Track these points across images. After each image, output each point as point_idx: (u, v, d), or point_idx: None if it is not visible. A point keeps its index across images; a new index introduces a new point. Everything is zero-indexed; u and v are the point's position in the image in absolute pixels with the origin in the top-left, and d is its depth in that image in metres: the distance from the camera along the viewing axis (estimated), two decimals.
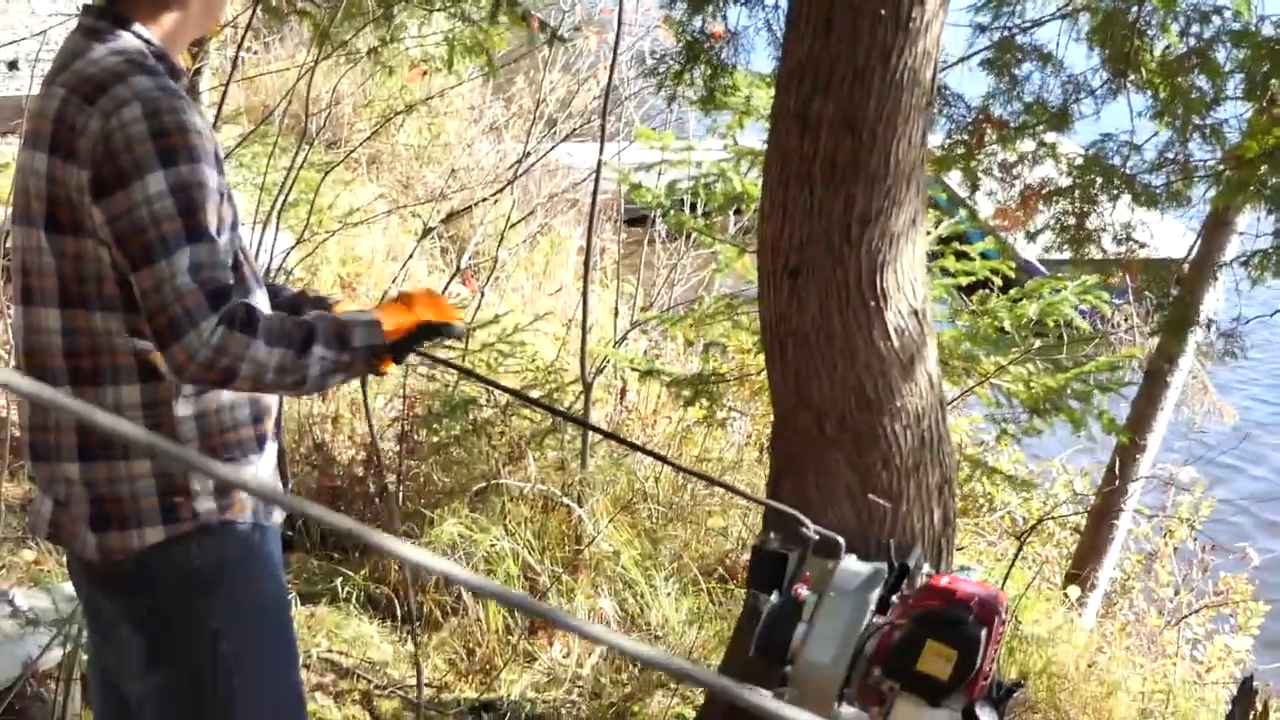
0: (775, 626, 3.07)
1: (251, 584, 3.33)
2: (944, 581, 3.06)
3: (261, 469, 3.36)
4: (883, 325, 3.30)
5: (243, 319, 2.97)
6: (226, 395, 3.21)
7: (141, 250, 2.92)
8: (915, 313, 3.37)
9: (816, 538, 3.13)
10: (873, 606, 3.01)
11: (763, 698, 3.08)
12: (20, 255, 3.16)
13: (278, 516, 3.47)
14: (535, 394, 7.90)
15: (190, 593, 3.22)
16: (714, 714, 3.69)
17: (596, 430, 7.24)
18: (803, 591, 3.08)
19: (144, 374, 3.11)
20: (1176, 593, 10.48)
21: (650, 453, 4.03)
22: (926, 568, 3.33)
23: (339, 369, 3.16)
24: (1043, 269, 10.90)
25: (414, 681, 6.46)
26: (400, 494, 7.64)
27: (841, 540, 3.11)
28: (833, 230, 3.24)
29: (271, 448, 3.41)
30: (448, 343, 7.64)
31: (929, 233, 7.63)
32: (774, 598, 3.11)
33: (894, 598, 3.11)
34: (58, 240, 3.05)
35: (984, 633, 2.88)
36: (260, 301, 3.32)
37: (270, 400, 3.39)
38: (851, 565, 3.09)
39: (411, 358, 3.49)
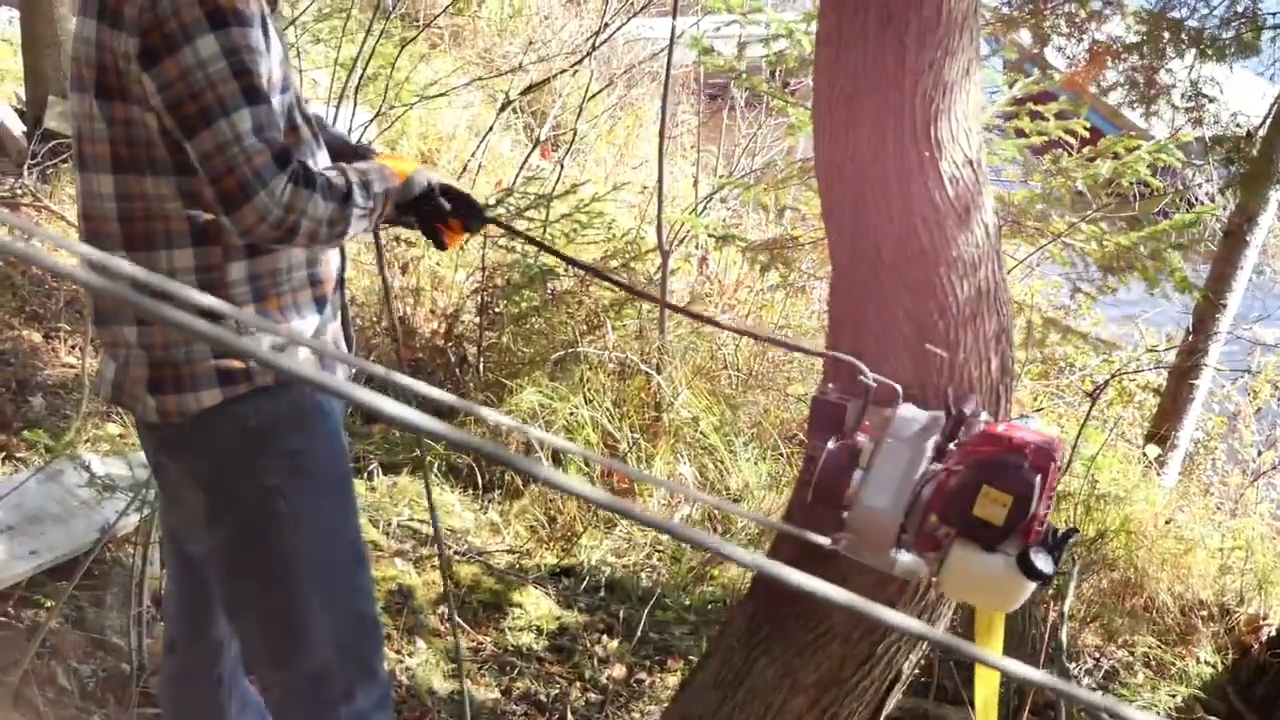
0: (832, 473, 3.09)
1: (309, 442, 3.37)
2: (1000, 428, 3.07)
3: (323, 326, 3.40)
4: (937, 175, 3.29)
5: (305, 176, 3.01)
6: (283, 257, 3.25)
7: (199, 114, 2.94)
8: (970, 162, 3.36)
9: (874, 385, 3.16)
10: (929, 453, 3.03)
11: (823, 539, 3.14)
12: (76, 122, 3.20)
13: (340, 375, 3.52)
14: (614, 264, 7.92)
15: (248, 452, 3.27)
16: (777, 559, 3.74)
17: (664, 304, 7.27)
18: (860, 438, 3.11)
19: (196, 238, 3.15)
20: (1260, 453, 10.44)
21: (697, 315, 4.05)
22: (985, 415, 3.35)
23: (366, 215, 3.22)
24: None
25: (494, 547, 6.56)
26: (480, 364, 7.71)
27: (899, 387, 3.13)
28: (885, 80, 3.25)
29: (331, 308, 3.45)
30: (528, 213, 7.71)
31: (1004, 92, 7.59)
32: (831, 445, 3.14)
33: (952, 445, 3.13)
34: (107, 106, 3.08)
35: (1039, 478, 2.90)
36: (320, 162, 3.36)
37: (331, 264, 3.43)
38: (908, 413, 3.11)
39: (493, 229, 3.52)
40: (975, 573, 2.94)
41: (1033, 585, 2.91)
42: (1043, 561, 2.87)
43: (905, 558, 3.08)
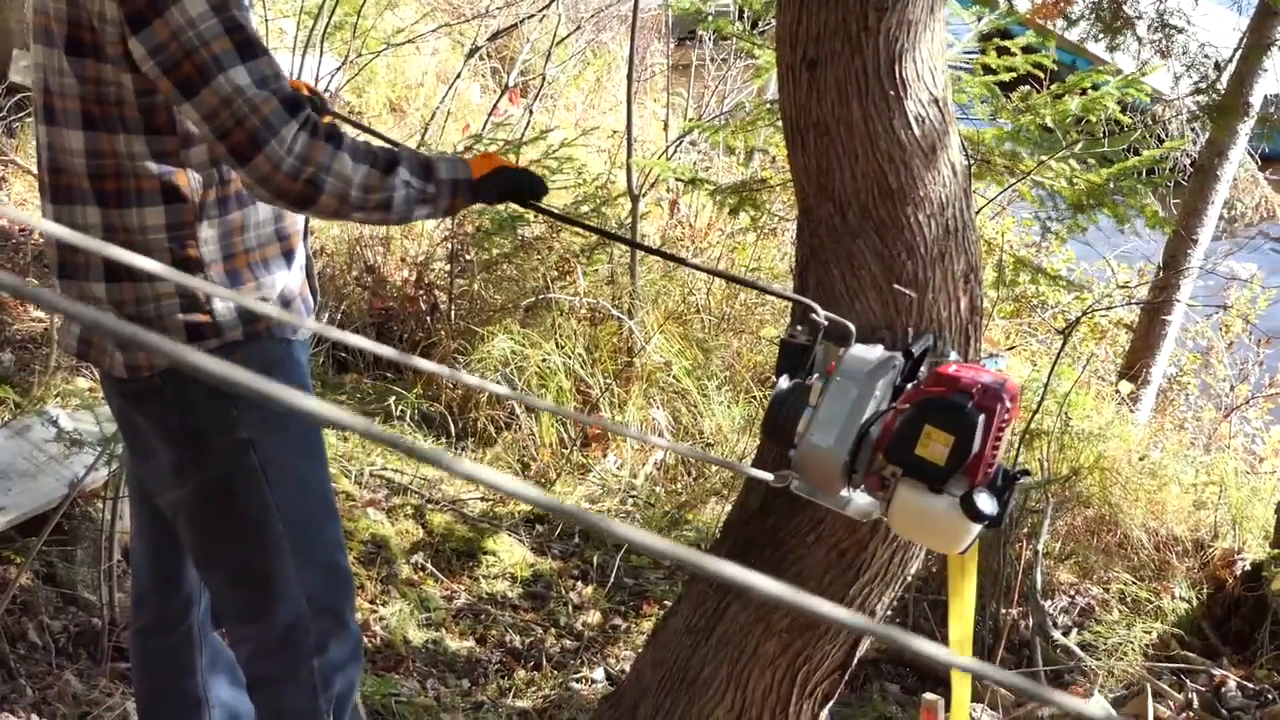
0: (782, 410, 3.10)
1: None
2: (953, 369, 3.08)
3: (290, 281, 3.38)
4: (903, 114, 3.27)
5: (326, 130, 2.98)
6: (251, 214, 3.24)
7: (196, 72, 2.90)
8: (936, 101, 3.34)
9: (826, 324, 3.16)
10: (880, 392, 3.03)
11: (766, 475, 3.14)
12: (42, 74, 3.17)
13: (306, 329, 3.50)
14: (584, 209, 7.89)
15: (218, 405, 3.25)
16: (749, 506, 3.73)
17: (635, 245, 7.25)
18: (814, 378, 3.11)
19: (167, 195, 3.13)
20: (1233, 388, 10.46)
21: (668, 255, 4.03)
22: (954, 355, 3.34)
23: (425, 200, 3.15)
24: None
25: (468, 495, 6.55)
26: (452, 312, 7.69)
27: (852, 326, 3.13)
28: (850, 19, 3.21)
29: (299, 260, 3.43)
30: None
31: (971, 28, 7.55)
32: (783, 383, 3.15)
33: (909, 385, 3.13)
34: (79, 63, 3.05)
35: (982, 418, 2.90)
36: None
37: (297, 218, 3.40)
38: (861, 352, 3.11)
39: None
40: (920, 513, 2.96)
41: (977, 527, 2.92)
42: (986, 503, 2.87)
43: (860, 498, 3.09)
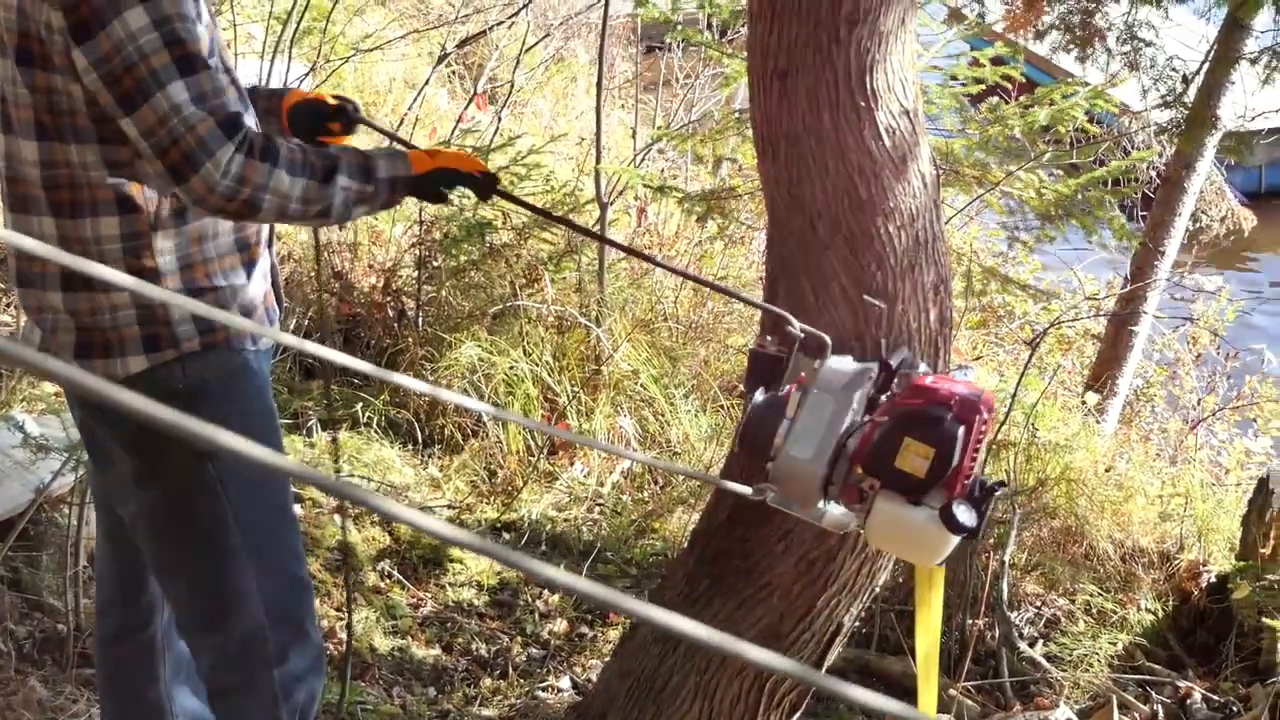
0: (757, 423, 3.10)
1: (238, 403, 3.36)
2: (929, 381, 3.07)
3: (252, 291, 3.37)
4: (874, 125, 3.28)
5: (261, 147, 2.96)
6: (209, 224, 3.23)
7: (135, 87, 2.90)
8: (906, 112, 3.34)
9: (801, 336, 3.15)
10: (856, 404, 3.03)
11: (744, 489, 3.13)
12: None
13: (267, 339, 3.49)
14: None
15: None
16: (718, 516, 3.73)
17: (610, 243, 7.25)
18: (790, 390, 3.11)
19: (122, 206, 3.13)
20: (1199, 400, 10.49)
21: (650, 259, 4.03)
22: (923, 367, 3.34)
23: (363, 200, 3.16)
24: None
25: (434, 503, 6.54)
26: (419, 319, 7.68)
27: (827, 339, 3.13)
28: (821, 30, 3.22)
29: (260, 270, 3.41)
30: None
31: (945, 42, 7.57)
32: (758, 395, 3.14)
33: (883, 397, 3.13)
34: (29, 73, 3.04)
35: (962, 431, 2.90)
36: (249, 122, 3.32)
37: (260, 227, 3.39)
38: (837, 364, 3.11)
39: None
40: (899, 525, 2.95)
41: (955, 539, 2.92)
42: (965, 515, 2.87)
43: (835, 510, 3.08)
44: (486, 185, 3.43)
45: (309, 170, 3.03)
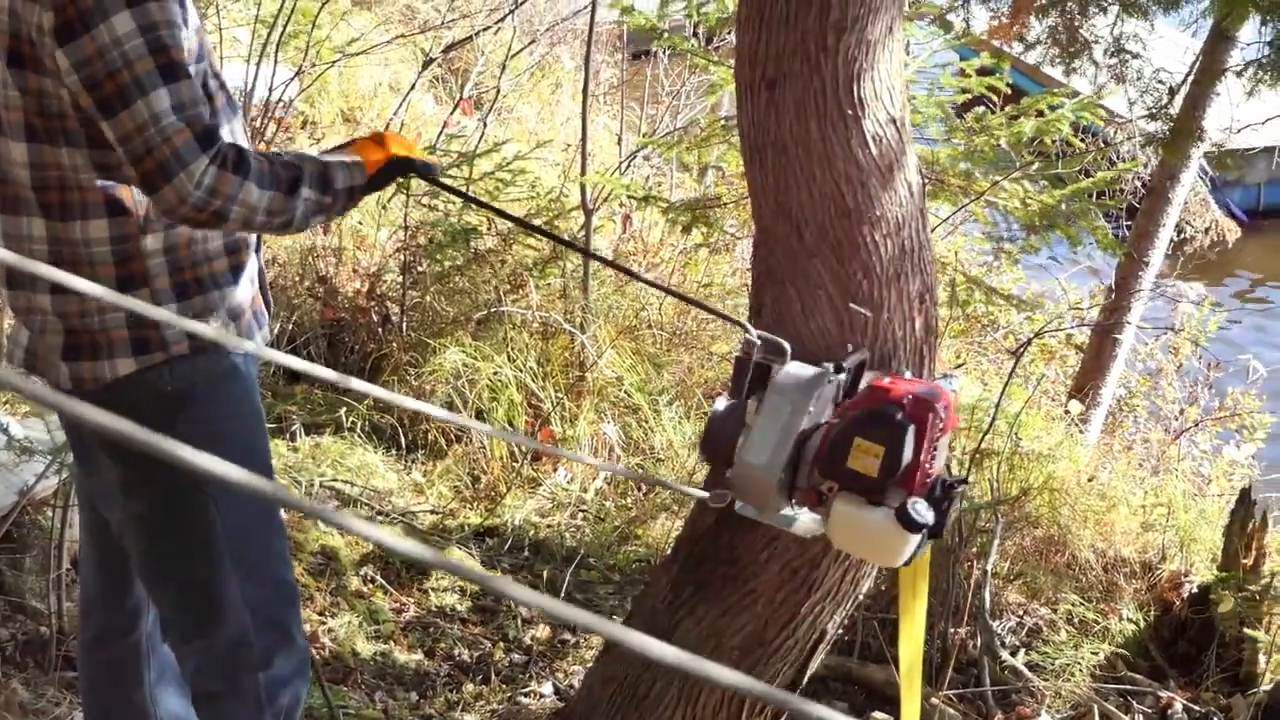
0: (717, 430, 3.12)
1: (226, 407, 3.36)
2: (886, 381, 3.09)
3: (240, 295, 3.37)
4: (860, 134, 3.28)
5: (234, 160, 2.97)
6: (198, 230, 3.22)
7: (116, 93, 2.90)
8: (894, 121, 3.35)
9: (758, 342, 3.17)
10: (813, 408, 3.04)
11: (702, 494, 3.14)
12: None
13: (257, 340, 3.48)
14: (537, 222, 7.88)
15: (163, 420, 3.20)
16: (704, 522, 3.73)
17: (589, 254, 7.26)
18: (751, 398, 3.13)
19: (111, 209, 3.13)
20: (1182, 410, 10.51)
21: (629, 272, 4.04)
22: (908, 374, 3.35)
23: (321, 210, 3.18)
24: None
25: (418, 508, 6.53)
26: (404, 324, 7.68)
27: (786, 345, 3.15)
28: (809, 39, 3.22)
29: (248, 274, 3.41)
30: (450, 171, 7.65)
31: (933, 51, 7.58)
32: (719, 402, 3.17)
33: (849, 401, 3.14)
34: (20, 75, 3.04)
35: (912, 429, 2.91)
36: (236, 129, 3.32)
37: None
38: (794, 369, 3.12)
39: (420, 183, 3.52)
40: (857, 526, 2.97)
41: (915, 537, 2.92)
42: (921, 513, 2.88)
43: (806, 516, 3.09)
44: (430, 170, 3.47)
45: (276, 183, 3.04)
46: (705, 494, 3.16)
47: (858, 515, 2.95)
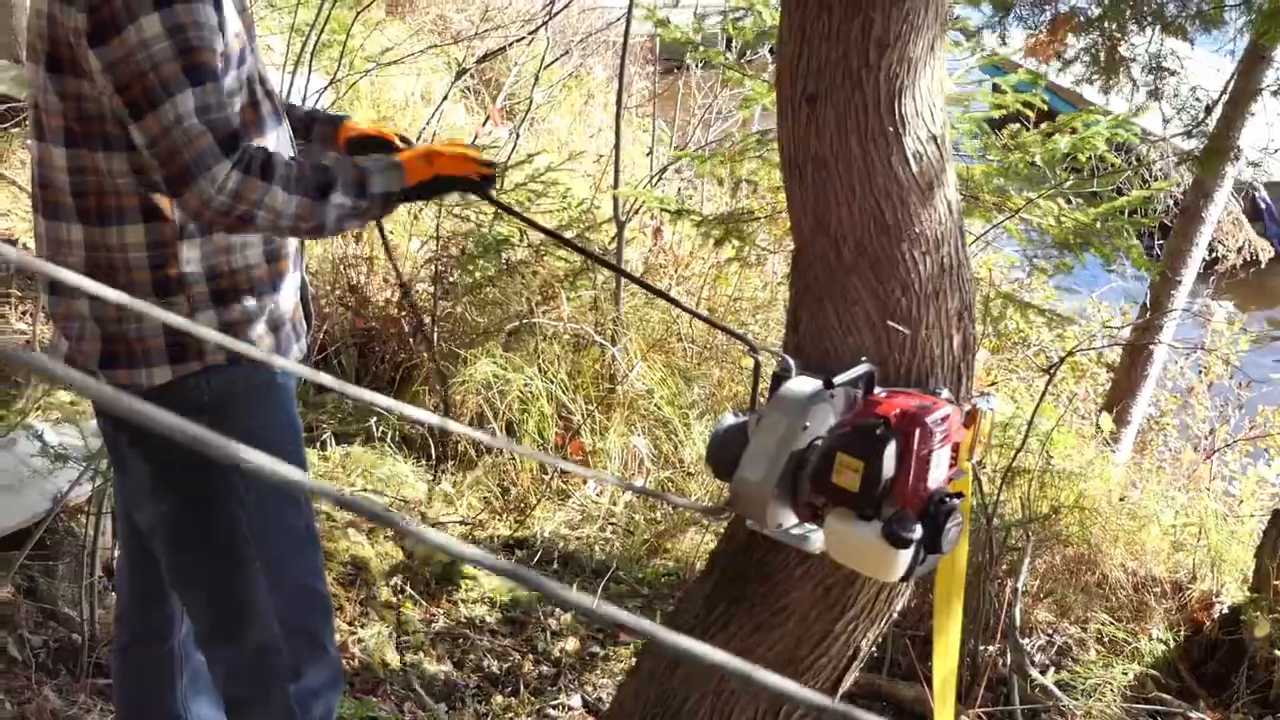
0: (720, 446, 3.14)
1: (262, 418, 3.36)
2: (881, 395, 3.10)
3: (281, 305, 3.38)
4: (901, 151, 3.27)
5: (260, 163, 2.97)
6: (236, 236, 3.23)
7: (143, 95, 2.91)
8: (934, 138, 3.34)
9: (758, 358, 3.19)
10: (811, 423, 3.03)
11: (694, 504, 3.14)
12: (32, 91, 3.18)
13: (295, 351, 3.49)
14: (569, 234, 7.89)
15: (198, 423, 3.23)
16: (738, 538, 3.72)
17: (615, 270, 7.25)
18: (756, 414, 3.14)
19: (148, 214, 3.14)
20: (1212, 430, 10.47)
21: (659, 293, 4.03)
22: (945, 393, 3.33)
23: (355, 214, 3.17)
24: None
25: (447, 519, 6.53)
26: (435, 334, 7.68)
27: (790, 360, 3.15)
28: (851, 55, 3.21)
29: (289, 284, 3.41)
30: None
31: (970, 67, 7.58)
32: (727, 418, 3.18)
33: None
34: (58, 80, 3.06)
35: (894, 443, 2.90)
36: (281, 138, 3.33)
37: (288, 240, 3.39)
38: (795, 384, 3.12)
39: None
40: (847, 541, 2.97)
41: (905, 553, 2.91)
42: (906, 529, 2.87)
43: (818, 533, 3.10)
44: (485, 185, 3.45)
45: (304, 187, 3.04)
46: (704, 508, 3.18)
47: (848, 530, 2.95)
